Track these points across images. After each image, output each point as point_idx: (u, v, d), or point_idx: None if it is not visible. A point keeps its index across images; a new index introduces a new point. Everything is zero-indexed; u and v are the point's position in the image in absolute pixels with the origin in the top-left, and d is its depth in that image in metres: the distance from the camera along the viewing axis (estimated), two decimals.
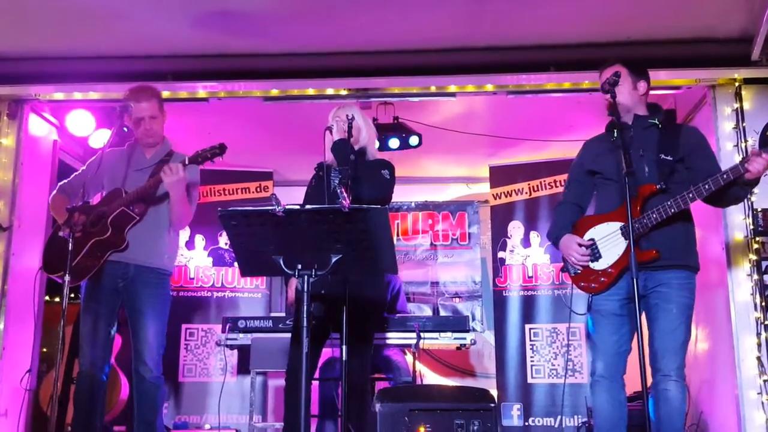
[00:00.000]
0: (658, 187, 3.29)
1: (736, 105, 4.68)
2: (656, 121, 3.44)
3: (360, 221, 2.71)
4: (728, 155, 4.61)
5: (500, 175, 6.41)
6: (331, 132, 3.69)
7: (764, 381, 4.31)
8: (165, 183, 3.75)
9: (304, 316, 2.79)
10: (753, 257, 4.48)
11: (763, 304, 4.41)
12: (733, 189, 3.28)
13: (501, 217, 6.37)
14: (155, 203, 3.92)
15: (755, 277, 4.45)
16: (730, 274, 4.52)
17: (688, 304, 3.30)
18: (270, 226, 2.75)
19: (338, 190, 2.78)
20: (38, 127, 5.20)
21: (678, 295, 3.28)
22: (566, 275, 3.58)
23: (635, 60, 3.55)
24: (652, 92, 3.60)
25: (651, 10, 4.37)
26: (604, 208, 3.45)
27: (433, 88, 4.93)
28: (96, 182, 3.99)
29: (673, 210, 3.25)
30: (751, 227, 4.50)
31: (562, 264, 3.60)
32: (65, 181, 4.10)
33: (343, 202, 2.68)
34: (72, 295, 3.69)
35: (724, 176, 3.20)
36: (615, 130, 3.37)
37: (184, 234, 6.31)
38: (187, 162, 3.75)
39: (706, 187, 3.21)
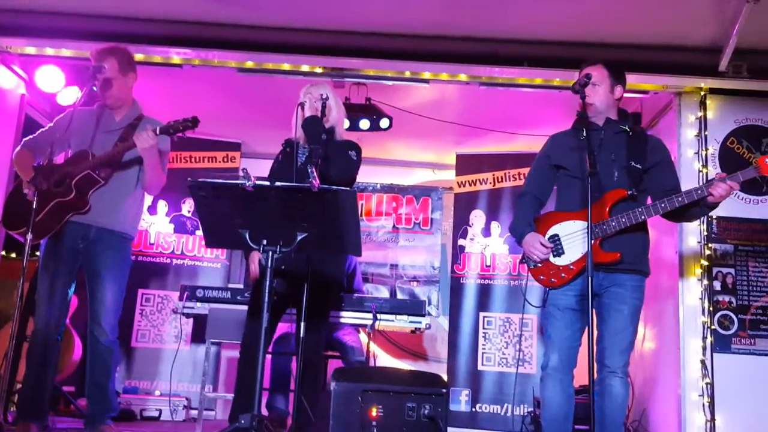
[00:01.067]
0: (629, 193, 3.36)
1: (700, 113, 4.79)
2: (626, 128, 3.50)
3: (328, 202, 2.73)
4: (688, 162, 4.73)
5: (466, 164, 6.47)
6: (302, 108, 3.67)
7: (706, 384, 4.44)
8: (139, 149, 3.72)
9: (266, 291, 2.80)
10: (705, 263, 4.60)
11: (711, 309, 4.54)
12: (694, 209, 3.40)
13: (464, 205, 6.43)
14: (122, 168, 3.89)
15: (705, 282, 4.58)
16: (681, 278, 4.64)
17: (639, 306, 3.40)
18: (239, 200, 2.76)
19: (309, 170, 2.78)
20: (6, 79, 5.09)
21: (631, 297, 3.37)
22: (523, 267, 3.63)
23: (617, 63, 3.59)
24: None
25: (625, 14, 4.44)
26: (569, 205, 3.49)
27: (407, 73, 4.95)
28: (63, 141, 3.93)
29: (643, 217, 3.33)
30: (705, 234, 4.63)
31: (520, 256, 3.65)
32: (31, 137, 4.04)
33: (313, 182, 2.68)
34: (30, 252, 3.64)
35: (694, 193, 3.30)
36: (584, 130, 3.41)
37: (147, 199, 6.25)
38: (158, 132, 3.71)
39: (680, 199, 3.30)
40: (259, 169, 5.46)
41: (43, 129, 4.08)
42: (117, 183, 3.88)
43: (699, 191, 3.30)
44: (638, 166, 3.40)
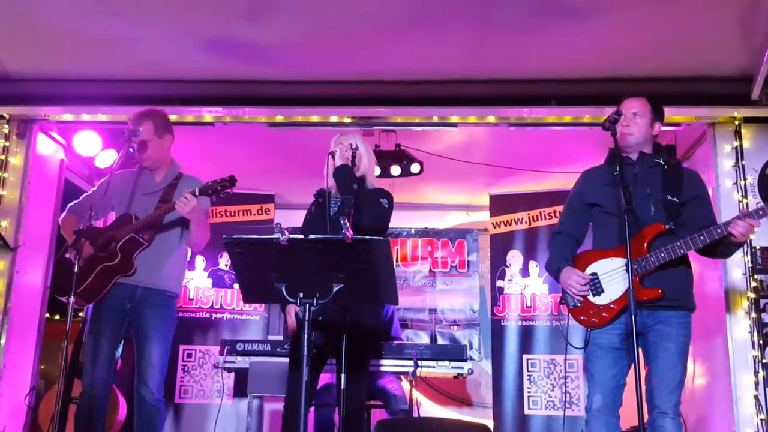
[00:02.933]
0: (666, 227, 3.32)
1: (736, 143, 4.73)
2: (661, 161, 3.47)
3: (362, 252, 2.74)
4: (727, 193, 4.66)
5: (500, 204, 6.45)
6: (333, 157, 3.72)
7: (761, 420, 4.31)
8: (183, 213, 3.79)
9: (305, 344, 2.80)
10: (751, 295, 4.49)
11: (761, 342, 4.42)
12: (720, 247, 3.37)
13: (500, 245, 6.40)
14: (164, 229, 3.97)
15: (753, 315, 4.46)
16: (728, 312, 4.53)
17: (686, 343, 3.33)
18: (273, 254, 2.78)
19: (341, 221, 2.80)
20: (46, 146, 5.24)
21: (677, 334, 3.30)
22: (564, 307, 3.58)
23: (658, 99, 3.59)
24: None
25: (652, 47, 4.44)
26: (606, 243, 3.46)
27: (435, 118, 4.98)
28: (105, 204, 4.04)
29: (682, 251, 3.28)
30: (750, 265, 4.52)
31: (560, 295, 3.60)
32: (76, 201, 4.16)
33: (346, 233, 2.70)
34: (73, 314, 3.71)
35: (714, 232, 3.27)
36: (617, 165, 3.40)
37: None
38: (197, 193, 3.78)
39: (701, 238, 3.26)
40: (294, 220, 5.50)
41: (86, 193, 4.20)
42: (160, 243, 3.96)
43: (718, 230, 3.26)
44: (675, 199, 3.36)
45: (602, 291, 3.39)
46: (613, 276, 3.37)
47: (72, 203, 4.16)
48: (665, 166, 3.46)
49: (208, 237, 4.05)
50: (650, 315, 3.31)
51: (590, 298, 3.41)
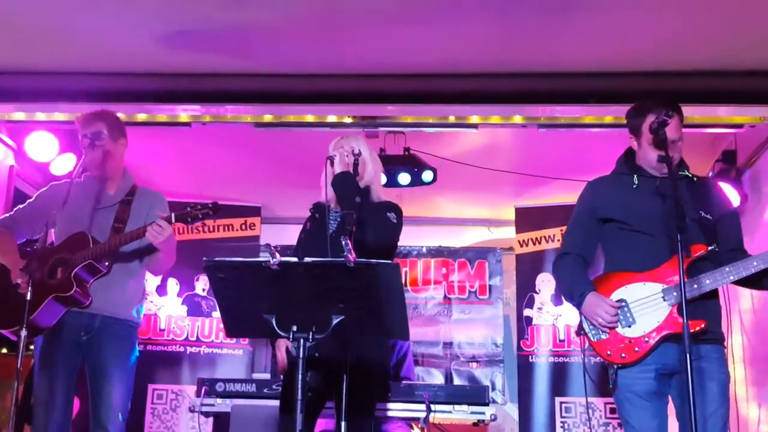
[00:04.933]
0: (709, 248, 3.34)
1: None
2: (687, 173, 3.53)
3: (367, 278, 2.74)
4: None
5: (528, 219, 6.46)
6: (332, 163, 3.73)
7: None
8: (155, 243, 3.80)
9: (299, 386, 2.80)
10: None
11: None
12: (764, 279, 3.38)
13: (528, 267, 6.40)
14: (125, 255, 3.98)
15: None
16: None
17: (728, 381, 3.36)
18: (262, 281, 2.78)
19: (342, 241, 2.81)
20: None
21: (719, 371, 3.33)
22: (582, 339, 3.55)
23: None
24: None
25: (710, 35, 4.40)
26: (630, 264, 3.46)
27: (452, 118, 5.01)
28: (44, 216, 3.96)
29: (731, 278, 3.29)
30: None
31: (576, 326, 3.61)
32: (8, 215, 4.15)
33: (348, 255, 2.70)
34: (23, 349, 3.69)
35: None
36: (635, 176, 3.50)
37: (154, 278, 6.35)
38: (173, 220, 3.79)
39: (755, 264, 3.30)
40: (283, 237, 5.51)
41: (21, 206, 4.15)
42: (120, 268, 3.97)
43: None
44: (709, 216, 3.42)
45: (633, 322, 3.39)
46: (646, 304, 3.38)
47: (2, 216, 4.16)
48: (694, 179, 3.53)
49: (173, 262, 4.07)
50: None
51: (619, 329, 3.41)
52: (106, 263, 3.91)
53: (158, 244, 3.82)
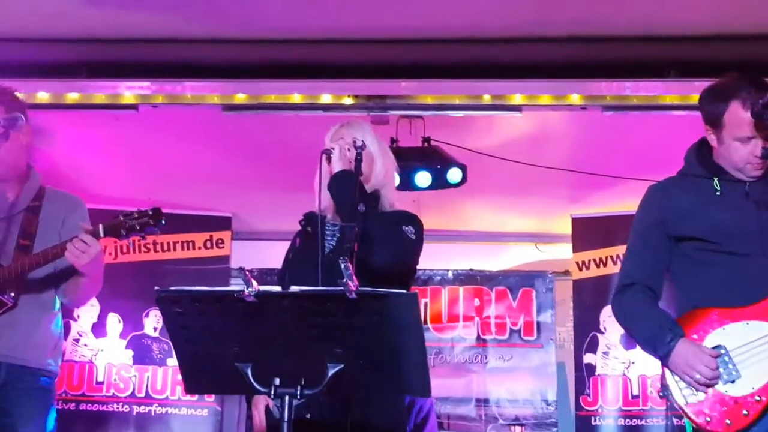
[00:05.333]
0: None
1: None
2: None
3: (374, 313, 2.70)
4: None
5: (589, 232, 6.47)
6: (329, 159, 3.71)
7: None
8: (78, 266, 3.79)
9: None
10: None
11: None
12: None
13: (589, 298, 6.41)
14: (35, 283, 3.97)
15: None
16: None
17: None
18: (235, 318, 2.76)
19: (342, 265, 2.79)
20: None
21: None
22: (664, 400, 3.54)
23: None
24: None
25: None
26: (721, 298, 3.43)
27: (486, 98, 5.00)
28: None
29: None
30: None
31: (657, 386, 3.57)
32: None
33: (349, 283, 2.68)
34: None
35: None
36: (716, 179, 3.47)
37: (90, 313, 6.36)
38: (102, 234, 3.78)
39: None
40: (262, 257, 5.47)
41: None
42: (30, 301, 3.95)
43: None
44: None
45: (737, 375, 3.37)
46: (752, 351, 3.35)
47: None
48: None
49: (99, 289, 4.07)
50: None
51: (720, 386, 3.39)
52: (11, 294, 3.89)
53: (82, 267, 3.80)
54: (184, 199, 6.30)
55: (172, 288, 2.80)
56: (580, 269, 6.44)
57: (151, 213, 3.79)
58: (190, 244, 6.65)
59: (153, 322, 6.47)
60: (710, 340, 3.40)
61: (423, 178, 5.60)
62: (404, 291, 2.77)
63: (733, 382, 3.36)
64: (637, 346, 6.00)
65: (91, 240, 3.75)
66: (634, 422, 6.13)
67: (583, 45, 4.86)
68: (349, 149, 3.71)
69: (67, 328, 5.74)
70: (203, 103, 5.08)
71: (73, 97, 4.69)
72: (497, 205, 6.65)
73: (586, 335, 6.34)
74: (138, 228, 3.78)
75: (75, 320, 6.44)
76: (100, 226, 3.77)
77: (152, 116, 5.22)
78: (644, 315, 3.58)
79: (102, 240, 3.79)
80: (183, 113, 5.25)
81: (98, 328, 6.46)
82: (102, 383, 6.39)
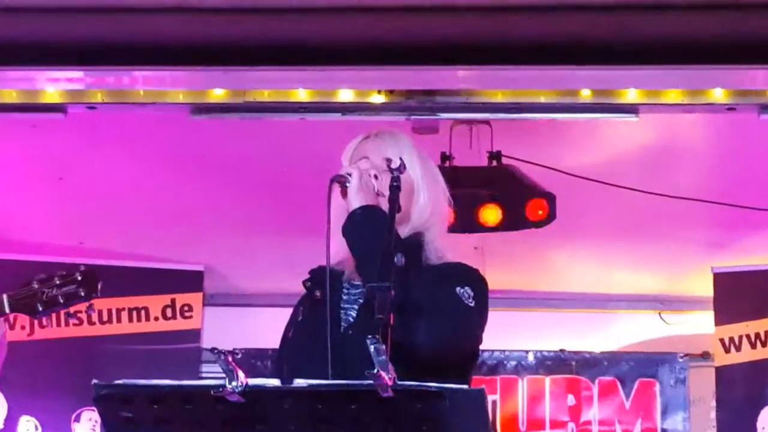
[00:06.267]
0: None
1: None
2: None
3: (421, 419, 2.73)
4: None
5: (739, 296, 6.47)
6: (344, 189, 3.72)
7: None
8: None
9: None
10: None
11: None
12: None
13: (742, 392, 6.40)
14: None
15: None
16: None
17: None
18: (212, 426, 2.79)
19: (371, 346, 2.79)
20: None
21: None
22: None
23: None
24: None
25: None
26: None
27: (585, 94, 5.01)
28: None
29: None
30: None
31: None
32: None
33: (383, 374, 2.69)
34: None
35: None
36: None
37: None
38: (7, 310, 3.83)
39: None
40: (247, 331, 5.47)
41: None
42: None
43: None
44: None
45: None
46: None
47: None
48: None
49: None
50: None
51: None
52: None
53: None
54: (134, 246, 6.34)
55: (118, 381, 2.82)
56: (727, 350, 6.43)
57: (80, 278, 3.81)
58: (143, 312, 6.69)
59: (87, 429, 6.50)
60: None
61: (490, 213, 5.62)
62: (464, 386, 2.78)
63: None
64: None
65: None
66: None
67: (727, 14, 4.87)
68: (375, 175, 3.70)
69: None
70: (163, 102, 5.10)
71: None
72: (601, 254, 6.67)
73: None
74: (62, 301, 3.81)
75: None
76: (4, 298, 3.80)
77: (87, 123, 5.26)
78: None
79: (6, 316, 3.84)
80: (133, 118, 5.28)
81: None
82: None
